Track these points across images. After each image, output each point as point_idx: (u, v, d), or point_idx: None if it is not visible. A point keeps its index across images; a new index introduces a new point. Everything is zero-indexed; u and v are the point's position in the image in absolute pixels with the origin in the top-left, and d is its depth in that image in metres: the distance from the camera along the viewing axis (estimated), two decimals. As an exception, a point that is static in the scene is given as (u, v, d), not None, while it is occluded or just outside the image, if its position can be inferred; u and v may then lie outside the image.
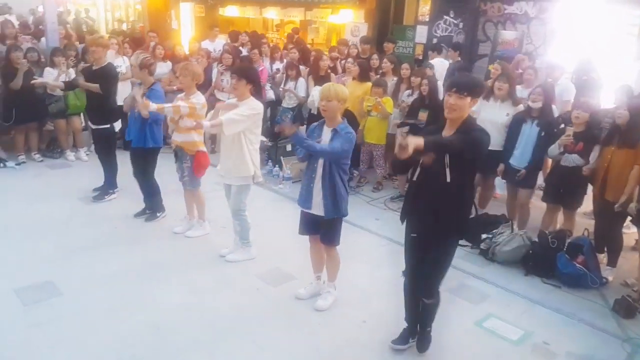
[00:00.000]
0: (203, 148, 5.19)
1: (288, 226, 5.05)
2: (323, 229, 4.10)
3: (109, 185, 6.28)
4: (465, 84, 3.22)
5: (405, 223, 3.59)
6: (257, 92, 4.66)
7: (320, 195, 3.94)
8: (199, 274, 4.69)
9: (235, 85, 4.52)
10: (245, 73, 4.55)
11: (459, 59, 8.84)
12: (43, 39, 8.78)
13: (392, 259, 5.15)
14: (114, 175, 6.27)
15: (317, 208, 3.99)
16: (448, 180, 3.20)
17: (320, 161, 3.91)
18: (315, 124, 4.08)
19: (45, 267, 4.63)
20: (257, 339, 3.85)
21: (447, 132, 3.29)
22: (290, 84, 7.60)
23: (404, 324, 3.87)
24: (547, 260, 4.93)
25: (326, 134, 3.94)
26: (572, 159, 5.02)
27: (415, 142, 2.88)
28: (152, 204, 5.78)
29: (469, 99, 3.17)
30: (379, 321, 4.12)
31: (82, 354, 3.57)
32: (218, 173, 4.77)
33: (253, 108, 4.50)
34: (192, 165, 5.14)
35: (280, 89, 7.91)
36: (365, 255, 5.24)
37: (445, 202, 3.27)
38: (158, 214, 5.77)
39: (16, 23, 8.76)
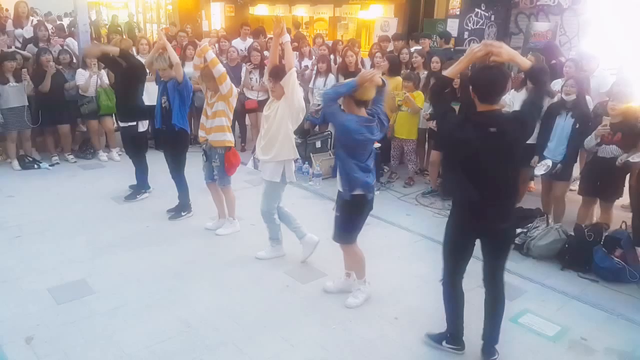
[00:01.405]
0: (232, 145, 5.23)
1: (317, 223, 5.08)
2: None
3: (141, 184, 6.39)
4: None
5: (451, 226, 3.48)
6: None
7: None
8: (229, 271, 4.74)
9: (272, 88, 4.47)
10: (281, 75, 4.44)
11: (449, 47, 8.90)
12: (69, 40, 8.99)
13: (424, 255, 5.14)
14: (145, 174, 6.37)
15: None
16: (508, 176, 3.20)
17: None
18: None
19: (78, 266, 4.73)
20: (287, 335, 3.86)
21: None
22: (320, 80, 7.61)
23: (439, 320, 3.81)
24: (583, 255, 4.82)
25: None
26: (610, 150, 4.90)
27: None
28: (181, 201, 5.86)
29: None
30: (411, 318, 4.09)
31: (115, 350, 3.63)
32: (255, 158, 4.73)
33: (299, 99, 4.47)
34: (223, 164, 5.17)
35: (309, 87, 7.93)
36: (397, 251, 5.21)
37: (505, 200, 3.24)
38: (183, 213, 5.82)
39: (50, 26, 8.95)
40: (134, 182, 6.47)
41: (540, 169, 5.34)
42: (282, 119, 4.47)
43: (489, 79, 3.15)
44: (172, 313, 4.07)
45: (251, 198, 5.49)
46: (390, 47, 8.64)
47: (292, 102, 4.40)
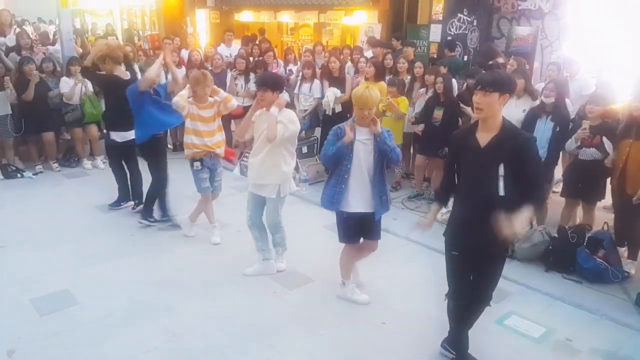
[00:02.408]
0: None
1: (305, 228, 5.09)
2: (376, 228, 4.22)
3: (123, 195, 6.28)
4: (490, 79, 3.11)
5: (445, 239, 3.45)
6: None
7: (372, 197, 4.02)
8: (215, 279, 4.71)
9: (261, 97, 4.30)
10: (270, 83, 4.34)
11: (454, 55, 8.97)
12: (54, 48, 8.92)
13: (411, 259, 5.17)
14: (126, 184, 6.24)
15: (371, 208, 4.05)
16: (502, 193, 3.07)
17: (367, 166, 3.96)
18: (341, 125, 4.01)
19: (62, 276, 4.67)
20: (275, 343, 3.85)
21: (482, 136, 3.15)
22: (305, 86, 7.63)
23: (427, 324, 3.86)
24: (567, 256, 4.88)
25: (362, 134, 3.91)
26: (590, 153, 4.96)
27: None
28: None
29: (496, 94, 3.02)
30: (399, 322, 4.11)
31: (100, 361, 3.61)
32: (250, 184, 4.62)
33: (294, 122, 4.38)
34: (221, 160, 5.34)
35: (295, 92, 7.95)
36: (384, 255, 5.20)
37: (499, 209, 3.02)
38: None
39: (31, 34, 8.89)
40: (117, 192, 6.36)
41: None
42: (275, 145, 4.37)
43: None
44: (157, 322, 4.04)
45: (237, 204, 5.47)
46: (370, 53, 8.68)
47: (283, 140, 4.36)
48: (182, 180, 6.00)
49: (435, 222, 3.66)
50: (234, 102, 5.25)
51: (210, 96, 5.13)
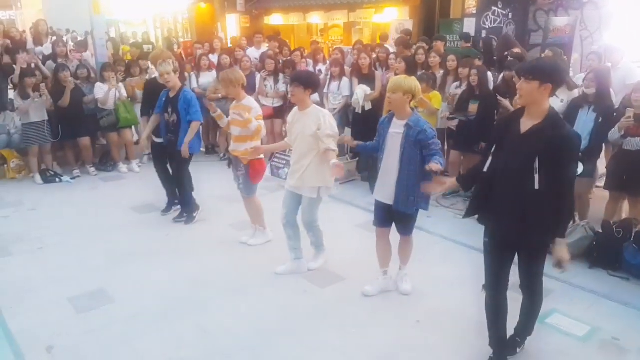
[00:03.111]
0: (260, 156, 5.09)
1: (336, 227, 5.01)
2: (403, 222, 4.16)
3: (173, 198, 6.25)
4: (529, 67, 3.07)
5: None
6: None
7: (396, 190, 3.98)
8: (246, 278, 4.69)
9: (293, 92, 4.35)
10: (303, 79, 4.33)
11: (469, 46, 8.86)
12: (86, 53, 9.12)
13: (445, 257, 5.03)
14: (174, 186, 6.23)
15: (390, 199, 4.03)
16: (536, 187, 2.97)
17: (395, 157, 3.93)
18: (385, 117, 4.10)
19: (98, 275, 4.75)
20: (305, 341, 3.80)
21: (525, 122, 3.05)
22: (334, 84, 7.56)
23: (461, 322, 3.73)
24: (612, 252, 4.66)
25: (396, 126, 3.93)
26: (635, 143, 4.73)
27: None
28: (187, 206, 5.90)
29: (536, 82, 2.91)
30: (433, 321, 3.99)
31: (133, 358, 3.63)
32: (287, 184, 4.60)
33: (331, 122, 4.32)
34: (248, 172, 5.07)
35: (324, 92, 7.89)
36: (418, 253, 5.04)
37: (533, 211, 3.01)
38: (194, 214, 5.88)
39: (71, 43, 9.12)
40: (155, 192, 6.43)
41: None
42: (311, 137, 4.32)
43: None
44: (190, 320, 4.05)
45: (268, 205, 5.43)
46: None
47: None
48: (214, 181, 6.02)
49: (470, 220, 3.55)
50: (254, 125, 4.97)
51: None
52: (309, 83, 4.33)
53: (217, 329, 3.94)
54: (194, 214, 5.87)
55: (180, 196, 5.97)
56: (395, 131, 3.94)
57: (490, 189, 3.19)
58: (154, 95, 5.99)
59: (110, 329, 3.96)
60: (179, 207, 6.09)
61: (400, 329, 3.91)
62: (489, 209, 3.24)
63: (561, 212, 3.05)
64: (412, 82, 3.94)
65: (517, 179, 3.03)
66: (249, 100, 5.06)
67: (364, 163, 4.42)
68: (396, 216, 4.12)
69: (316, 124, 4.26)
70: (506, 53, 7.37)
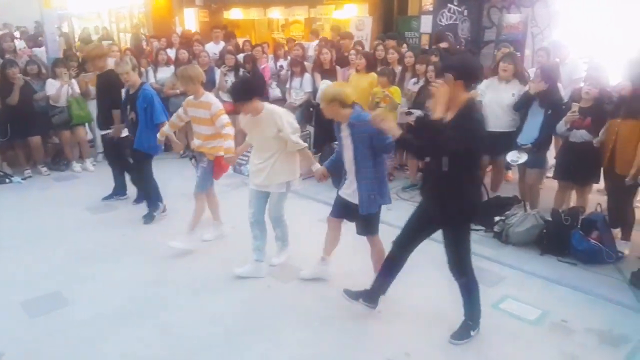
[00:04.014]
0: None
1: (299, 222, 5.07)
2: (359, 222, 4.16)
3: (120, 189, 6.38)
4: (447, 64, 3.42)
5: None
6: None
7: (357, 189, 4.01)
8: (209, 275, 4.69)
9: (244, 110, 4.27)
10: (244, 93, 4.25)
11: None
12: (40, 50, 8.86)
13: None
14: (125, 181, 6.35)
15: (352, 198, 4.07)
16: (445, 169, 3.32)
17: (350, 157, 3.96)
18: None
19: (53, 278, 4.64)
20: (271, 336, 3.84)
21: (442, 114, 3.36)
22: (296, 80, 7.62)
23: (422, 311, 3.94)
24: (561, 239, 4.89)
25: (343, 130, 3.97)
26: (580, 135, 4.98)
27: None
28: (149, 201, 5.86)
29: (449, 76, 3.28)
30: (395, 311, 4.10)
31: (94, 360, 3.60)
32: (251, 183, 4.57)
33: (289, 120, 4.31)
34: (212, 168, 5.03)
35: (286, 87, 7.95)
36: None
37: (445, 190, 3.42)
38: (155, 213, 5.81)
39: (20, 44, 8.83)
40: (109, 192, 6.45)
41: (513, 157, 5.40)
42: (272, 139, 4.31)
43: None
44: (152, 320, 4.03)
45: (231, 201, 5.45)
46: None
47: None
48: (174, 179, 5.99)
49: None
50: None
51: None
52: (254, 92, 4.26)
53: (180, 328, 3.92)
54: (154, 214, 5.77)
55: (145, 194, 5.89)
56: (343, 134, 3.97)
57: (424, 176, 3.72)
58: (109, 88, 5.94)
59: (67, 333, 3.87)
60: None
61: (363, 320, 4.01)
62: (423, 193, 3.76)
63: (467, 191, 3.45)
64: (333, 89, 3.91)
65: (435, 164, 3.43)
66: (208, 97, 4.98)
67: (336, 181, 4.53)
68: (348, 212, 4.16)
69: (275, 126, 4.23)
70: (434, 47, 7.75)
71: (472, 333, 3.73)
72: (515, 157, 5.38)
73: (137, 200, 6.29)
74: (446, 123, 3.29)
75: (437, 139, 3.23)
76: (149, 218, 5.78)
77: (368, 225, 4.13)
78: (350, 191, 4.05)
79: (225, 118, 4.87)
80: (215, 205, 5.38)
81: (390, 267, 3.90)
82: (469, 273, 3.65)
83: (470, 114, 3.30)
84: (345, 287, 4.06)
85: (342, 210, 4.22)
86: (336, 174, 4.28)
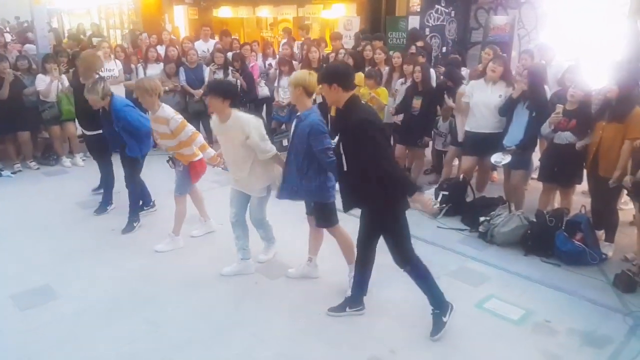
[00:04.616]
0: (200, 156, 4.94)
1: (285, 219, 5.07)
2: (315, 213, 4.23)
3: (109, 196, 6.12)
4: (324, 73, 3.59)
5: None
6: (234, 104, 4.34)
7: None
8: (197, 271, 4.70)
9: (210, 103, 4.26)
10: (220, 90, 4.19)
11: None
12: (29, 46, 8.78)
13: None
14: (112, 182, 6.09)
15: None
16: (345, 169, 3.54)
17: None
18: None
19: (42, 272, 4.64)
20: (256, 331, 3.86)
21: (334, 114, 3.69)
22: (285, 79, 7.61)
23: (406, 309, 4.00)
24: (545, 239, 4.93)
25: (294, 121, 4.05)
26: (564, 137, 5.02)
27: None
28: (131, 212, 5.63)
29: (325, 86, 3.50)
30: (379, 308, 4.13)
31: (82, 354, 3.59)
32: (232, 184, 4.54)
33: (257, 127, 4.21)
34: (187, 172, 4.96)
35: (275, 86, 7.95)
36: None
37: (349, 187, 3.63)
38: (135, 224, 5.58)
39: (8, 37, 8.75)
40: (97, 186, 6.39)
41: (497, 158, 5.44)
42: (241, 147, 4.23)
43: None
44: (139, 314, 4.03)
45: (218, 198, 5.44)
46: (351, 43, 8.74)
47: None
48: (163, 175, 5.95)
49: (412, 211, 3.81)
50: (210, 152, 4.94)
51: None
52: (227, 93, 4.19)
53: (168, 322, 3.94)
54: (135, 224, 5.57)
55: (132, 198, 5.63)
56: (293, 124, 4.04)
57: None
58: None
59: (57, 325, 3.89)
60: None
61: (349, 317, 4.01)
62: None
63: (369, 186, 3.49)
64: (304, 75, 3.94)
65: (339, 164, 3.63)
66: (165, 111, 4.79)
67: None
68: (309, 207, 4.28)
69: (242, 133, 4.15)
70: (412, 46, 7.90)
71: (444, 319, 3.76)
72: (499, 159, 5.43)
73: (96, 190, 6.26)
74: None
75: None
76: (128, 228, 5.53)
77: (324, 215, 4.18)
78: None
79: (189, 130, 4.82)
80: (199, 201, 5.36)
81: (360, 267, 3.98)
82: (412, 259, 3.71)
83: (356, 113, 3.49)
84: (329, 307, 4.09)
85: (308, 205, 4.31)
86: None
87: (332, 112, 3.87)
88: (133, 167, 5.49)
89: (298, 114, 4.01)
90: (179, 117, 4.84)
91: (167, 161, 5.11)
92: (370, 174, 3.43)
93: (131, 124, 5.16)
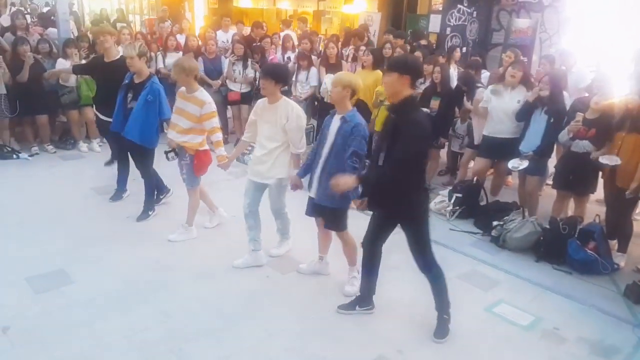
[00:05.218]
0: (205, 146, 4.97)
1: (298, 214, 5.07)
2: (326, 216, 4.19)
3: (124, 183, 6.12)
4: (393, 61, 3.52)
5: None
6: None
7: (318, 181, 4.06)
8: (209, 262, 4.74)
9: (263, 85, 4.30)
10: (274, 73, 4.27)
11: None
12: (51, 30, 8.83)
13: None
14: (127, 171, 6.07)
15: (314, 193, 4.14)
16: (380, 163, 3.48)
17: (326, 148, 3.99)
18: (329, 114, 4.12)
19: (57, 256, 4.69)
20: (266, 325, 3.89)
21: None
22: (303, 74, 7.63)
23: (415, 309, 3.99)
24: (558, 247, 4.92)
25: (335, 122, 3.98)
26: (582, 145, 4.99)
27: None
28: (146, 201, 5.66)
29: (395, 74, 3.35)
30: (388, 308, 4.15)
31: (93, 340, 3.64)
32: (249, 174, 4.57)
33: (300, 117, 4.32)
34: (192, 164, 4.92)
35: (292, 80, 7.95)
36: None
37: (382, 188, 3.50)
38: (150, 213, 5.62)
39: (28, 17, 8.81)
40: (114, 174, 6.34)
41: (514, 163, 5.42)
42: (281, 130, 4.34)
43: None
44: (151, 304, 4.08)
45: (234, 190, 5.47)
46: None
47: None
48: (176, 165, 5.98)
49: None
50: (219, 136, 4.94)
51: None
52: (280, 77, 4.29)
53: (179, 312, 3.99)
54: (150, 213, 5.61)
55: (147, 187, 5.65)
56: (332, 127, 3.98)
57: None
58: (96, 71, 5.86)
59: (69, 310, 3.94)
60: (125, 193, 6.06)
61: (358, 315, 4.05)
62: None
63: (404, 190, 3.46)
64: (351, 77, 3.98)
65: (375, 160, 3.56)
66: (203, 94, 4.83)
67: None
68: (318, 209, 4.16)
69: (285, 116, 4.27)
70: (414, 43, 8.11)
71: (449, 325, 3.83)
72: (516, 164, 5.41)
73: (115, 198, 6.09)
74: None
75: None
76: (143, 216, 5.58)
77: (336, 219, 4.18)
78: (313, 187, 4.13)
79: (215, 121, 4.86)
80: (204, 194, 5.36)
81: (367, 266, 3.98)
82: (435, 264, 3.74)
83: (412, 115, 3.42)
84: (339, 304, 4.13)
85: (312, 207, 4.25)
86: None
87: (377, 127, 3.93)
88: (145, 160, 5.53)
89: (341, 115, 3.94)
90: (214, 106, 4.89)
91: (167, 152, 4.95)
92: (404, 179, 3.40)
93: (161, 102, 5.22)
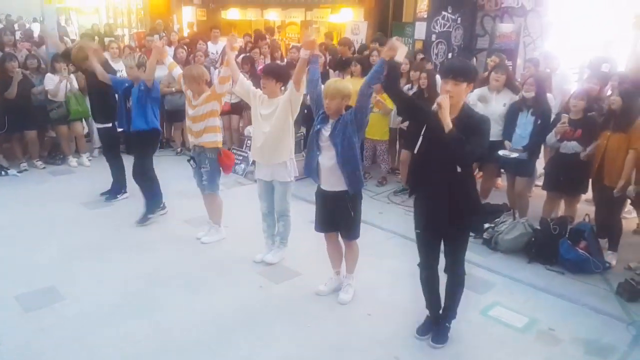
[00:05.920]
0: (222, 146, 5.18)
1: (292, 223, 5.10)
2: (343, 225, 4.18)
3: (120, 186, 6.36)
4: (461, 69, 3.31)
5: (414, 216, 3.72)
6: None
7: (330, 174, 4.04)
8: (202, 273, 4.72)
9: (264, 84, 4.44)
10: (275, 73, 4.49)
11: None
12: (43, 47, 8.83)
13: (396, 252, 5.20)
14: (123, 175, 6.32)
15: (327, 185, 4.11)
16: (459, 170, 3.37)
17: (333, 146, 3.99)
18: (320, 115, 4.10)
19: (48, 272, 4.65)
20: (261, 335, 3.88)
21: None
22: (290, 82, 7.63)
23: (411, 315, 3.97)
24: (549, 247, 4.95)
25: (328, 129, 3.98)
26: (570, 146, 5.05)
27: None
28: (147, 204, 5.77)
29: (464, 84, 3.27)
30: (384, 313, 4.16)
31: (86, 354, 3.61)
32: (257, 174, 4.72)
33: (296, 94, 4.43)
34: (217, 166, 5.08)
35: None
36: (370, 248, 5.23)
37: (455, 185, 3.39)
38: (149, 216, 5.72)
39: (17, 32, 8.81)
40: (105, 187, 6.44)
41: (504, 152, 5.44)
42: (284, 116, 4.45)
43: None
44: (144, 316, 4.05)
45: (226, 201, 5.47)
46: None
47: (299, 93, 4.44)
48: (170, 176, 6.00)
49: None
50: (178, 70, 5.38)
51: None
52: (280, 76, 4.48)
53: (172, 324, 3.96)
54: (150, 216, 5.70)
55: (146, 191, 5.76)
56: (326, 129, 3.99)
57: (422, 170, 3.54)
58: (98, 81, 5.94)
59: (62, 327, 3.90)
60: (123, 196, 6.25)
61: (353, 322, 4.05)
62: (421, 192, 3.63)
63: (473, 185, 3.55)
64: (346, 85, 4.02)
65: (443, 165, 3.36)
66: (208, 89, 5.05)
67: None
68: (338, 217, 4.14)
69: (286, 98, 4.42)
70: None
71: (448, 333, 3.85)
72: (507, 152, 5.42)
73: (110, 197, 6.34)
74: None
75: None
76: (143, 219, 5.69)
77: (350, 226, 4.16)
78: (333, 183, 4.08)
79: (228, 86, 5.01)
80: (219, 206, 5.39)
81: (429, 289, 3.86)
82: (463, 276, 3.77)
83: (475, 112, 3.48)
84: (333, 311, 4.15)
85: (328, 219, 4.20)
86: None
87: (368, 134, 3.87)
88: (148, 147, 5.66)
89: (335, 119, 3.96)
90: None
91: (189, 161, 5.22)
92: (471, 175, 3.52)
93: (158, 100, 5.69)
